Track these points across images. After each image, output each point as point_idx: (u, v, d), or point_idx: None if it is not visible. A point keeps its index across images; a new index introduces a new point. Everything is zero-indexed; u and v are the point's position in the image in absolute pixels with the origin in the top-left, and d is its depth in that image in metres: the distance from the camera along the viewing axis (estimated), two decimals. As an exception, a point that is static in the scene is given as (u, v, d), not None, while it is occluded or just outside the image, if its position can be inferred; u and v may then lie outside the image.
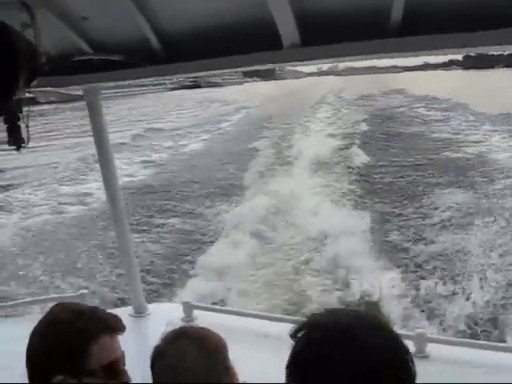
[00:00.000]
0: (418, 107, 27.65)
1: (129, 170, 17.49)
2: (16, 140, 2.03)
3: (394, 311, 7.31)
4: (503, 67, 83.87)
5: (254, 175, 15.28)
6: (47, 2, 1.98)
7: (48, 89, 2.66)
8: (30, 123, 2.04)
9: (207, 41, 2.14)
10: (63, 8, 2.10)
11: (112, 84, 2.82)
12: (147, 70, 2.35)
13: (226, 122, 28.87)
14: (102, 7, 2.07)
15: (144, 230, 10.65)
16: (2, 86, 1.81)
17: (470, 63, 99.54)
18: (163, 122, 30.57)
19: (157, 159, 19.42)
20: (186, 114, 32.81)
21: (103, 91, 3.23)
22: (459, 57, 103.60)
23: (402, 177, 14.30)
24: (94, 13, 2.15)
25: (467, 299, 7.66)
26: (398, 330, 1.17)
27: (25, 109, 2.02)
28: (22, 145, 2.05)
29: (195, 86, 73.66)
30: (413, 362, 0.93)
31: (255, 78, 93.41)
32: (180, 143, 22.99)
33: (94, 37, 2.33)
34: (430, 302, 7.62)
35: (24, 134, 2.03)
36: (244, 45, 2.07)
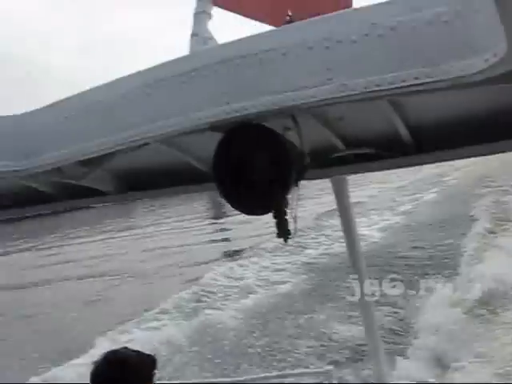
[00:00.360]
0: None
1: (383, 217, 23.24)
2: (283, 233, 2.20)
3: None
4: None
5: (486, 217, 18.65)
6: (309, 110, 2.00)
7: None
8: None
9: (455, 131, 2.20)
10: (322, 112, 2.19)
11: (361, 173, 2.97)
12: (396, 162, 2.45)
13: (448, 176, 32.32)
14: (356, 107, 2.07)
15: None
16: (279, 187, 2.03)
17: None
18: (387, 184, 35.24)
19: (403, 209, 24.75)
20: (403, 176, 36.62)
21: None
22: None
23: None
24: (349, 113, 2.24)
25: None
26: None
27: (293, 203, 2.15)
28: (289, 236, 2.20)
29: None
30: None
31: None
32: (413, 196, 27.93)
33: (347, 134, 2.46)
34: None
35: (291, 227, 2.18)
36: (489, 133, 2.09)
